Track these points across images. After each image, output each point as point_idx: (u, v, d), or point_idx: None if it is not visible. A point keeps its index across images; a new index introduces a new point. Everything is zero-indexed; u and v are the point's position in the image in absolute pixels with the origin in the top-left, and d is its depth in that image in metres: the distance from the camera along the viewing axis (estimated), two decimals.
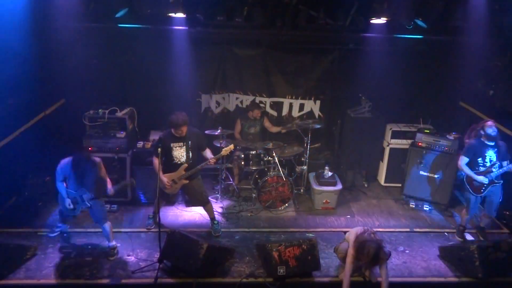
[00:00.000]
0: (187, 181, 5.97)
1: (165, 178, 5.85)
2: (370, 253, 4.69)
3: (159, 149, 5.40)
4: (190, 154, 5.92)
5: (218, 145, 6.90)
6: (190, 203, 6.68)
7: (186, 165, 5.89)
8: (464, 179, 6.10)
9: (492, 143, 5.87)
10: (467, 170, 5.96)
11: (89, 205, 5.36)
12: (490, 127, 5.81)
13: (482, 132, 5.91)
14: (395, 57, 7.45)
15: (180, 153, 5.88)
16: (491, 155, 5.89)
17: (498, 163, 5.85)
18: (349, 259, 4.95)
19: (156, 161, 5.73)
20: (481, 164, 5.93)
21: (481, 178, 5.87)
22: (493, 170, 5.85)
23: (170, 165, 5.90)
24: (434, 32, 7.06)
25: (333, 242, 6.00)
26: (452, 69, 7.42)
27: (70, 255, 5.60)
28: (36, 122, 6.93)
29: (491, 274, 5.25)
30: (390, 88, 7.65)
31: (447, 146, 7.02)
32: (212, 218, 6.32)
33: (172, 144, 5.82)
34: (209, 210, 6.29)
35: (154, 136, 7.15)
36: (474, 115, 7.42)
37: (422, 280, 5.40)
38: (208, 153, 6.05)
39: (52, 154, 5.82)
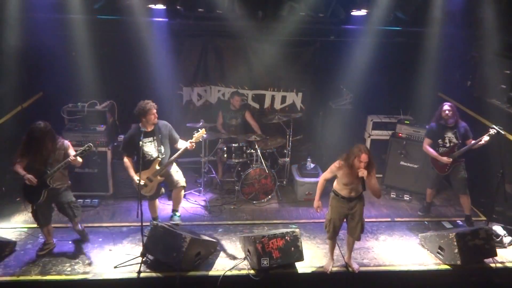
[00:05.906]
0: (162, 178, 5.73)
1: (137, 177, 5.49)
2: (362, 148, 4.79)
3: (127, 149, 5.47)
4: (162, 148, 5.69)
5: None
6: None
7: (159, 159, 5.67)
8: (430, 159, 6.41)
9: (451, 125, 6.14)
10: (431, 151, 6.28)
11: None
12: (444, 111, 6.13)
13: (440, 115, 6.20)
14: (375, 49, 7.49)
15: (151, 148, 5.63)
16: (450, 136, 6.17)
17: (459, 143, 6.11)
18: (330, 169, 5.16)
19: (125, 160, 5.69)
20: (441, 145, 6.25)
21: (444, 159, 6.15)
22: (455, 150, 6.12)
23: (142, 163, 5.49)
24: (413, 23, 7.13)
25: (316, 233, 6.06)
26: (430, 60, 7.51)
27: (50, 250, 5.51)
28: (13, 116, 6.75)
29: (470, 261, 5.35)
30: (371, 79, 7.69)
31: None
32: (175, 210, 5.99)
33: (140, 142, 5.46)
34: (177, 199, 5.92)
35: None
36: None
37: (403, 268, 5.48)
38: (181, 144, 5.78)
39: None
